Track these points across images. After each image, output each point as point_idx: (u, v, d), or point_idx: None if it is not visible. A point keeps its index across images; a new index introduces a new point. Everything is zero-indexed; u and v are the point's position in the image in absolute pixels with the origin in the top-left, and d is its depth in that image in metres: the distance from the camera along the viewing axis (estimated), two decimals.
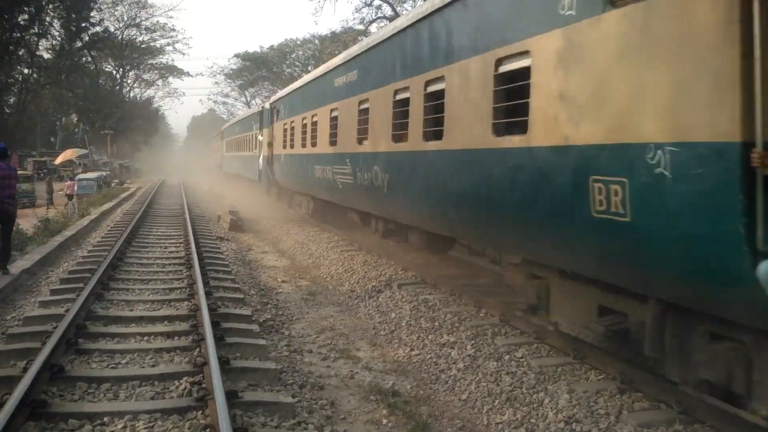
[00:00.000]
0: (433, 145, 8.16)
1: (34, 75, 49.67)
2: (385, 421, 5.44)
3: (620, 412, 5.29)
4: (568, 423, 5.21)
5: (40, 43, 49.13)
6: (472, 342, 7.21)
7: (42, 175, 42.95)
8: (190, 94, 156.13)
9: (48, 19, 48.26)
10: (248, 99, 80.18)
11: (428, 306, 8.79)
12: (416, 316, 8.49)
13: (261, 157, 23.84)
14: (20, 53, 46.22)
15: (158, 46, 70.67)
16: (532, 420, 5.38)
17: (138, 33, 67.69)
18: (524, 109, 5.95)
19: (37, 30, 47.10)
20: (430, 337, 7.67)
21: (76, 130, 66.87)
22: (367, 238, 13.75)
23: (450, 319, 8.11)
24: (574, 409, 5.39)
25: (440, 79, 7.94)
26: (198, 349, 6.46)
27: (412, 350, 7.40)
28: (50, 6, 47.00)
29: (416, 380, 6.54)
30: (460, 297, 9.10)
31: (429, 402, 5.98)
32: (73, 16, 48.64)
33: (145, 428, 4.73)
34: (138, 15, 64.85)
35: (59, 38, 51.82)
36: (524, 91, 5.96)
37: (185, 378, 5.69)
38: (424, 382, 6.49)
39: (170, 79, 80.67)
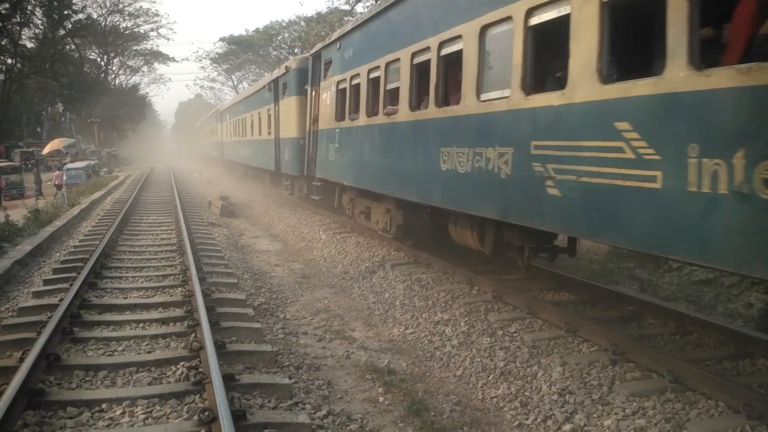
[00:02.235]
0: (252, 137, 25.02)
1: (18, 65, 49.08)
2: (381, 398, 5.51)
3: (613, 383, 5.37)
4: (562, 395, 5.29)
5: (22, 32, 48.60)
6: (466, 319, 7.28)
7: (30, 165, 42.52)
8: (176, 79, 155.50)
9: (30, 7, 47.67)
10: (235, 83, 79.51)
11: (421, 285, 8.85)
12: (410, 295, 8.54)
13: (214, 142, 41.34)
14: (3, 43, 45.61)
15: (142, 31, 69.83)
16: (526, 393, 5.46)
17: (121, 19, 66.79)
18: (274, 125, 19.85)
19: (19, 19, 46.54)
20: (424, 315, 7.74)
21: (63, 119, 66.26)
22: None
23: (443, 297, 8.17)
24: (568, 381, 5.47)
25: (253, 115, 24.44)
26: (194, 334, 6.50)
27: (406, 329, 7.46)
28: None
29: (411, 358, 6.60)
30: (453, 275, 9.17)
31: (424, 379, 6.05)
32: (55, 3, 48.01)
33: (144, 413, 4.77)
34: (121, 1, 63.91)
35: (42, 27, 51.28)
36: (274, 121, 20.05)
37: (182, 363, 5.73)
38: (419, 360, 6.56)
39: (156, 65, 80.00)
